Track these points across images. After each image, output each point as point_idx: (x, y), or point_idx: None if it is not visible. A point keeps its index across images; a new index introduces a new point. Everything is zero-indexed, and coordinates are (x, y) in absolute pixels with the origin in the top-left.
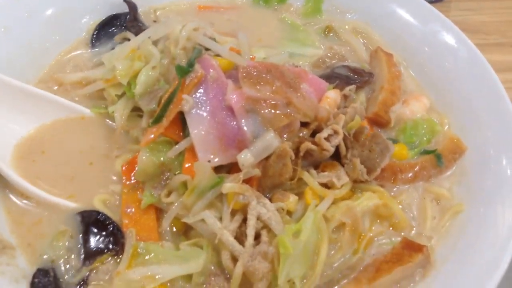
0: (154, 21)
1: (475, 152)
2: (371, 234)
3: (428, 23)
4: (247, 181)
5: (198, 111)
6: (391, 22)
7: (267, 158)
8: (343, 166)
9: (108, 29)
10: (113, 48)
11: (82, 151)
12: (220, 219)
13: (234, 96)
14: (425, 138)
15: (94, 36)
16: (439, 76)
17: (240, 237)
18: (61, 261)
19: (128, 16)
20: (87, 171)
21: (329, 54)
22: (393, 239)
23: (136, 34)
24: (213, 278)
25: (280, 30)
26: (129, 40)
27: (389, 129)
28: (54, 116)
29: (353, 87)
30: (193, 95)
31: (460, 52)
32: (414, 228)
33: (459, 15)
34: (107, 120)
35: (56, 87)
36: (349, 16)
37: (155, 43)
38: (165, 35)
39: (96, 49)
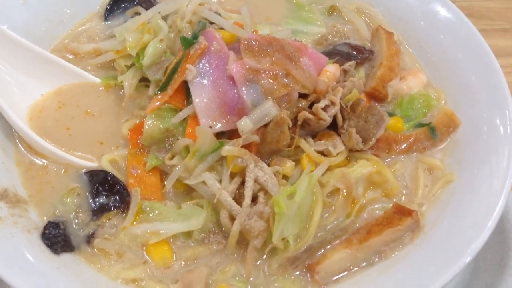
0: None
1: (469, 127)
2: (364, 201)
3: (428, 4)
4: (247, 147)
5: (201, 80)
6: (393, 2)
7: (266, 125)
8: (339, 136)
9: (121, 4)
10: (125, 22)
11: (92, 115)
12: (220, 181)
13: (235, 66)
14: (421, 112)
15: (108, 10)
16: (437, 54)
17: (238, 199)
18: (71, 215)
19: None
20: (96, 133)
21: (332, 33)
22: (385, 205)
23: (147, 9)
24: (212, 235)
25: (286, 9)
26: (140, 14)
27: (387, 103)
28: (67, 82)
29: (352, 62)
30: (197, 66)
31: (458, 31)
32: (406, 196)
33: (465, 0)
34: (117, 89)
35: (70, 56)
36: None
37: (164, 18)
38: (174, 10)
39: (109, 22)
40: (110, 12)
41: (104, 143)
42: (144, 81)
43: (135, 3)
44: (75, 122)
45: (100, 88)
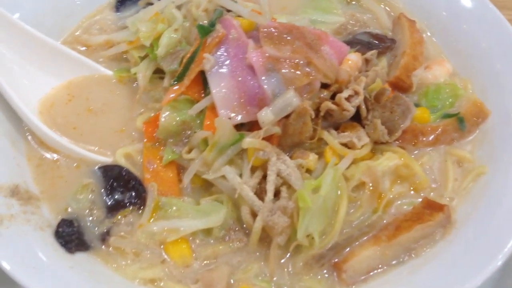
0: None
1: (498, 117)
2: (391, 195)
3: None
4: (268, 139)
5: (219, 69)
6: None
7: (287, 116)
8: (363, 127)
9: None
10: (137, 13)
11: (105, 109)
12: (241, 175)
13: (254, 55)
14: (447, 102)
15: (119, 1)
16: (462, 42)
17: (260, 194)
18: (85, 213)
19: None
20: (109, 127)
21: (351, 22)
22: (413, 200)
23: None
24: (233, 233)
25: None
26: (152, 4)
27: (411, 93)
28: (78, 74)
29: (374, 52)
30: (214, 55)
31: (483, 17)
32: (435, 190)
33: None
34: (130, 82)
35: (82, 48)
36: None
37: (178, 7)
38: (188, 0)
39: (120, 14)
40: (121, 3)
41: (118, 137)
42: (158, 72)
43: None
44: (87, 116)
45: (113, 81)
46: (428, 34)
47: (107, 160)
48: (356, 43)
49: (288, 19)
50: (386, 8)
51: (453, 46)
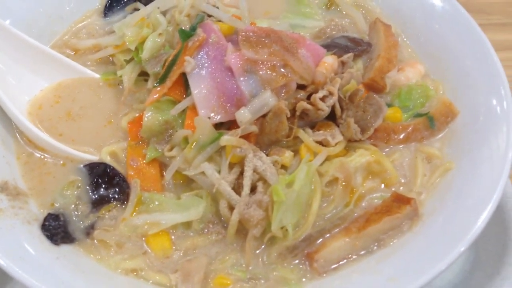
0: None
1: (466, 116)
2: (363, 190)
3: None
4: (245, 137)
5: (200, 71)
6: None
7: (264, 116)
8: (338, 126)
9: (121, 0)
10: (124, 18)
11: (91, 109)
12: (219, 172)
13: (233, 57)
14: (418, 102)
15: (107, 6)
16: (435, 46)
17: (237, 189)
18: (71, 208)
19: None
20: (95, 127)
21: (330, 26)
22: (383, 194)
23: (146, 5)
24: (211, 226)
25: (285, 4)
26: (139, 10)
27: (385, 94)
28: (67, 77)
29: (350, 54)
30: (195, 57)
31: (455, 22)
32: (405, 185)
33: None
34: (116, 84)
35: (70, 52)
36: None
37: (164, 13)
38: (173, 5)
39: (108, 19)
40: (109, 8)
41: (104, 136)
42: (143, 75)
43: None
44: (75, 116)
45: (100, 83)
46: (403, 37)
47: (93, 158)
48: (333, 46)
49: (269, 23)
50: (364, 13)
51: (426, 49)
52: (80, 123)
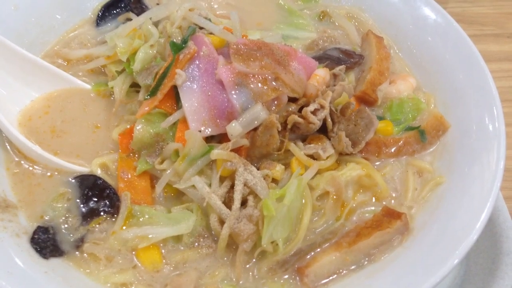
0: (157, 4)
1: (458, 130)
2: (354, 204)
3: (418, 9)
4: (236, 150)
5: (190, 84)
6: (383, 8)
7: (256, 129)
8: (329, 139)
9: (113, 10)
10: (116, 28)
11: (81, 120)
12: (210, 185)
13: (224, 71)
14: (410, 115)
15: (99, 16)
16: (427, 59)
17: (228, 203)
18: (60, 220)
19: None
20: (86, 138)
21: (323, 38)
22: (374, 208)
23: (139, 15)
24: (201, 239)
25: (278, 15)
26: (131, 20)
27: (377, 107)
28: (58, 88)
29: (342, 67)
30: (186, 70)
31: (447, 35)
32: (396, 199)
33: (457, 6)
34: (108, 95)
35: (62, 62)
36: (344, 2)
37: (156, 24)
38: (165, 16)
39: (101, 28)
40: (101, 18)
41: (94, 148)
42: (135, 86)
43: (127, 9)
44: (66, 128)
45: (91, 94)
46: (396, 50)
47: (84, 169)
48: (326, 58)
49: (261, 35)
50: (357, 24)
51: (418, 62)
52: (70, 134)
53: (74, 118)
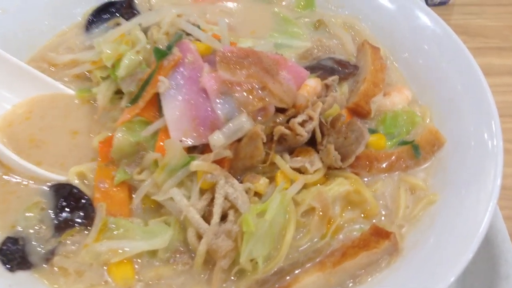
0: (149, 10)
1: (454, 145)
2: (341, 221)
3: (416, 19)
4: (219, 162)
5: (173, 92)
6: (381, 17)
7: (240, 140)
8: (318, 152)
9: (103, 15)
10: (106, 33)
11: (63, 127)
12: (190, 198)
13: (208, 79)
14: (404, 129)
15: (89, 21)
16: (425, 70)
17: (208, 217)
18: (32, 231)
19: (123, 4)
20: (66, 145)
21: (317, 47)
22: (363, 226)
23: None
24: (178, 255)
25: (272, 23)
26: None
27: (370, 119)
28: (41, 93)
29: (335, 77)
30: (170, 77)
31: (445, 47)
32: (386, 216)
33: (461, 18)
34: (91, 102)
35: (51, 68)
36: (341, 11)
37: (146, 29)
38: (156, 22)
39: (90, 34)
40: (91, 23)
41: (75, 155)
42: (121, 93)
43: (118, 14)
44: (46, 134)
45: (75, 100)
46: (393, 61)
47: (61, 178)
48: (319, 68)
49: (253, 43)
50: (353, 34)
51: (415, 74)
52: (50, 140)
53: (55, 124)
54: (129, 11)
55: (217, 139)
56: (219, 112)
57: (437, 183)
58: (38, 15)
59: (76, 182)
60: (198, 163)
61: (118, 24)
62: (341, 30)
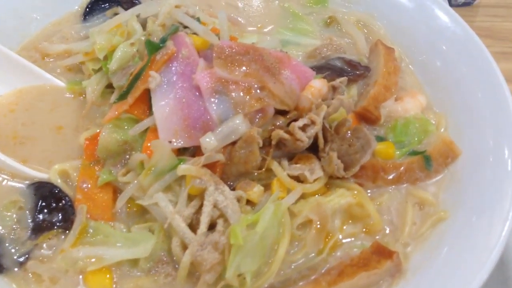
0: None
1: (470, 157)
2: (340, 236)
3: (436, 19)
4: (211, 166)
5: (165, 89)
6: (397, 16)
7: (234, 143)
8: (319, 160)
9: (102, 4)
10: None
11: (49, 121)
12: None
13: (202, 76)
14: (416, 138)
15: (87, 10)
16: (442, 74)
17: (195, 226)
18: (7, 232)
19: None
20: (51, 141)
21: (327, 45)
22: (364, 243)
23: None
24: (160, 266)
25: (281, 19)
26: None
27: (378, 126)
28: (29, 84)
29: (344, 79)
30: (162, 73)
31: (465, 50)
32: (391, 233)
33: (487, 20)
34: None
35: (41, 57)
36: (356, 8)
37: (145, 21)
38: (155, 13)
39: (87, 23)
40: (89, 12)
41: (59, 152)
42: (113, 87)
43: (116, 4)
44: (29, 128)
45: (65, 94)
46: (409, 64)
47: (43, 176)
48: (327, 68)
49: (258, 38)
50: (366, 32)
51: (431, 78)
52: (34, 136)
53: (41, 118)
54: (129, 0)
55: (209, 141)
56: (212, 112)
57: (448, 199)
58: (32, 2)
59: (58, 181)
60: (186, 167)
61: (116, 14)
62: (354, 28)
